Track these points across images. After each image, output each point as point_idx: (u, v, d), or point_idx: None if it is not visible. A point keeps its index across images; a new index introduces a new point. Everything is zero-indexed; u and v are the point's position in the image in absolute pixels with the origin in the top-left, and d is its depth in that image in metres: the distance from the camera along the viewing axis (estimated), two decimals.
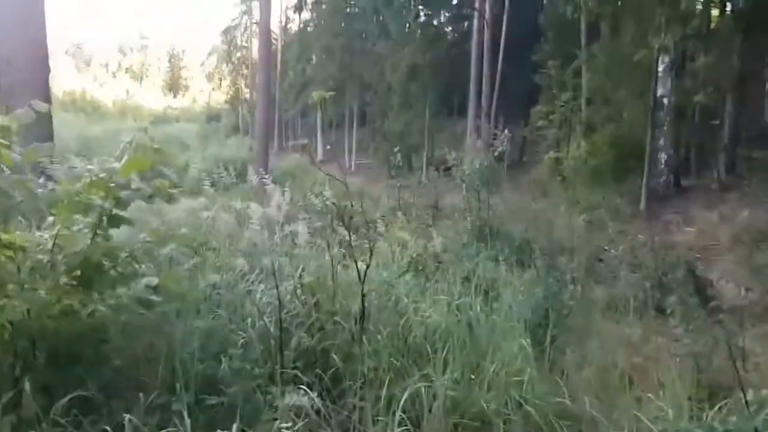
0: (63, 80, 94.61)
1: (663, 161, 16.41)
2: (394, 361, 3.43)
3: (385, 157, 37.47)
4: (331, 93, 3.92)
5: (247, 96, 55.05)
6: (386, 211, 11.09)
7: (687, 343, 4.15)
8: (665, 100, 16.26)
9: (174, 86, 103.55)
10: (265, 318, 3.62)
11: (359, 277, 3.77)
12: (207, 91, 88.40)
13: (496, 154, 8.98)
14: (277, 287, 3.58)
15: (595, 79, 15.36)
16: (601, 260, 8.31)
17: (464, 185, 8.75)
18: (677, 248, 10.04)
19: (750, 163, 14.05)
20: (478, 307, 4.19)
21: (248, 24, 54.74)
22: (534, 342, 4.03)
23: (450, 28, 37.05)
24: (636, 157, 14.57)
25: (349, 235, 4.39)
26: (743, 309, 6.12)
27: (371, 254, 3.99)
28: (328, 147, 40.54)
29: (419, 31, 34.51)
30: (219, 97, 69.50)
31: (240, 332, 3.58)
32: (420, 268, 5.71)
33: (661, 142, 16.38)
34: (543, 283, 4.94)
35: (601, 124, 14.94)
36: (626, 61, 13.64)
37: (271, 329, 3.54)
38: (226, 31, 56.57)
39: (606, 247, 10.23)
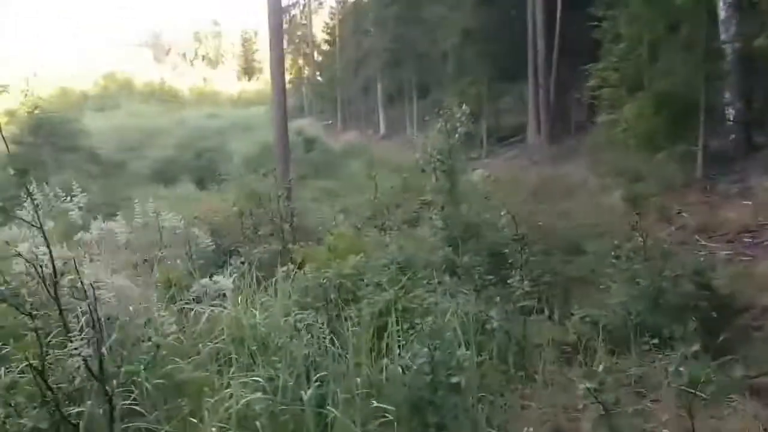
0: (142, 72, 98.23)
1: (731, 117, 14.23)
2: None
3: None
4: None
5: (308, 75, 54.65)
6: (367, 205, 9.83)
7: None
8: (728, 47, 14.03)
9: (248, 70, 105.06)
10: None
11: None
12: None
13: (456, 135, 7.51)
14: None
15: (634, 27, 13.32)
16: (616, 259, 6.62)
17: (433, 176, 7.30)
18: (718, 231, 8.27)
19: None
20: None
21: (307, 1, 54.12)
22: None
23: None
24: (695, 114, 12.56)
25: None
26: None
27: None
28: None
29: None
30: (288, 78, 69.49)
31: None
32: (328, 301, 4.50)
33: (727, 95, 14.21)
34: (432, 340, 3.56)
35: (649, 79, 12.94)
36: (669, 3, 11.62)
37: None
38: (285, 10, 55.93)
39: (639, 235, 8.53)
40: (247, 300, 4.52)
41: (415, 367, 3.24)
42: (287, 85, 62.41)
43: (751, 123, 14.32)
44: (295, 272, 5.15)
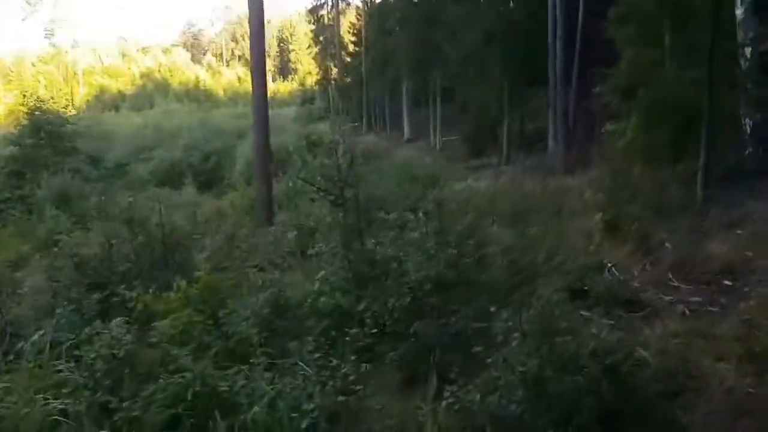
0: (179, 71, 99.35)
1: (748, 129, 12.82)
2: None
3: (467, 134, 34.61)
4: None
5: (335, 77, 53.79)
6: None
7: None
8: (747, 51, 12.67)
9: (283, 70, 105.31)
10: None
11: None
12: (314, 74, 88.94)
13: (341, 154, 6.39)
14: None
15: (629, 26, 11.96)
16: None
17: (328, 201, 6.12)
18: (699, 268, 6.98)
19: None
20: None
21: (335, 2, 53.28)
22: None
23: None
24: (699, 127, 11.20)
25: None
26: None
27: None
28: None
29: None
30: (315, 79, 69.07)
31: None
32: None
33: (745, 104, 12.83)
34: None
35: (645, 85, 11.58)
36: None
37: None
38: (313, 10, 55.30)
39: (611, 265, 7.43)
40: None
41: None
42: (313, 86, 61.68)
43: None
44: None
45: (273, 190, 15.71)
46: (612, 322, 5.65)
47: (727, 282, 6.65)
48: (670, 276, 6.95)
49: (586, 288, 6.33)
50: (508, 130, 30.46)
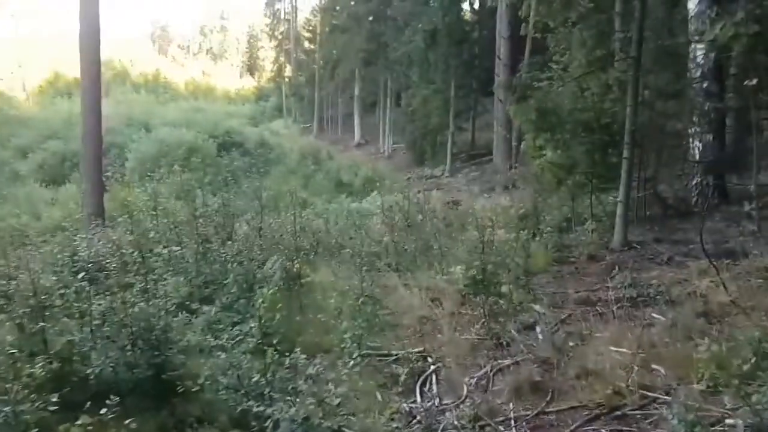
0: (143, 63, 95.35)
1: (697, 152, 10.06)
2: None
3: (412, 141, 31.70)
4: None
5: (289, 74, 50.49)
6: None
7: None
8: (699, 54, 9.91)
9: (252, 67, 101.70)
10: None
11: None
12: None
13: None
14: None
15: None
16: None
17: None
18: (562, 395, 3.97)
19: None
20: None
21: None
22: None
23: None
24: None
25: None
26: None
27: None
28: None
29: None
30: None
31: None
32: None
33: (695, 121, 10.09)
34: None
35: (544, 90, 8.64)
36: None
37: None
38: (269, 4, 51.85)
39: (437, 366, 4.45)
40: None
41: None
42: (268, 84, 57.99)
43: (724, 162, 10.23)
44: None
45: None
46: None
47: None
48: (512, 413, 3.89)
49: (323, 422, 3.33)
50: (453, 140, 27.68)
